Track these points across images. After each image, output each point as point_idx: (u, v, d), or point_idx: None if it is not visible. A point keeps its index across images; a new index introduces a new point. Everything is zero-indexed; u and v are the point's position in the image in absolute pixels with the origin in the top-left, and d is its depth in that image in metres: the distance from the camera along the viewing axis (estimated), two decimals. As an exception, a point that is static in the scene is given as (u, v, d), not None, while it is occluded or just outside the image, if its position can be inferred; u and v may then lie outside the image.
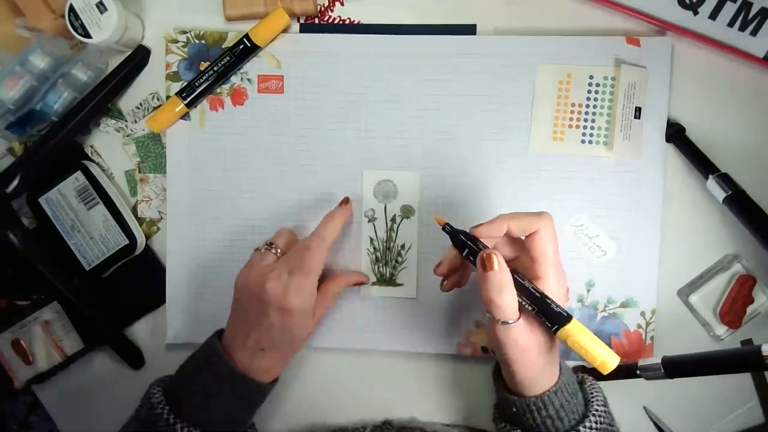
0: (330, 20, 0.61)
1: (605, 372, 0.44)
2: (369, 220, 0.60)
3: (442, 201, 0.59)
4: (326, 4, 0.61)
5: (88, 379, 0.64)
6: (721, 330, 0.58)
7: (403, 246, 0.60)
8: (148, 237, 0.62)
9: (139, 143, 0.62)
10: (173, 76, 0.61)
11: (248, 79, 0.60)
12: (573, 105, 0.58)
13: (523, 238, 0.49)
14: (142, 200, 0.62)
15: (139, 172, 0.62)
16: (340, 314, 0.60)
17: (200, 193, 0.61)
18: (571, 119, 0.58)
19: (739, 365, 0.48)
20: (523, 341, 0.45)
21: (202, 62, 0.60)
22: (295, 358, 0.55)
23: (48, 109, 0.59)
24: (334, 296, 0.57)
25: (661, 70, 0.57)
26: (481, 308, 0.60)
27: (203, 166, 0.61)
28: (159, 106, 0.61)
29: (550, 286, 0.46)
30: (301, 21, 0.61)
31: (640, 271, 0.58)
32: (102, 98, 0.60)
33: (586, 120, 0.58)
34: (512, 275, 0.46)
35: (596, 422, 0.47)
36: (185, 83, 0.59)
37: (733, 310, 0.57)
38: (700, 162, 0.57)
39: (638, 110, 0.57)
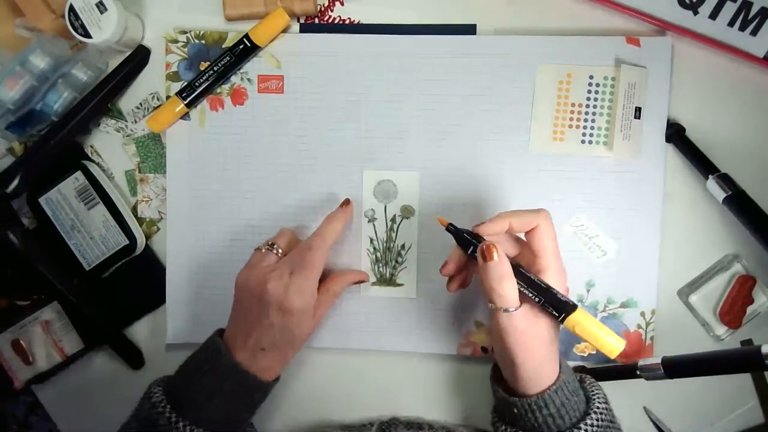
0: (330, 20, 0.61)
1: (613, 356, 0.46)
2: (369, 220, 0.60)
3: (442, 201, 0.59)
4: (326, 4, 0.61)
5: (88, 379, 0.64)
6: (721, 330, 0.58)
7: (403, 246, 0.60)
8: (148, 237, 0.62)
9: (139, 143, 0.62)
10: (173, 76, 0.61)
11: (248, 79, 0.60)
12: (573, 105, 0.58)
13: (524, 235, 0.50)
14: (142, 200, 0.62)
15: (139, 172, 0.62)
16: (340, 314, 0.61)
17: (200, 193, 0.61)
18: (571, 119, 0.58)
19: (739, 365, 0.48)
20: (524, 328, 0.46)
21: (202, 62, 0.60)
22: (295, 358, 0.55)
23: (48, 109, 0.59)
24: (335, 295, 0.57)
25: (661, 70, 0.57)
26: (481, 308, 0.60)
27: (203, 166, 0.61)
28: (159, 106, 0.61)
29: (552, 279, 0.48)
30: (301, 21, 0.61)
31: (640, 271, 0.58)
32: (102, 98, 0.60)
33: (586, 120, 0.58)
34: (517, 269, 0.47)
35: (597, 420, 0.47)
36: (185, 83, 0.59)
37: (733, 310, 0.57)
38: (700, 162, 0.57)
39: (638, 110, 0.57)
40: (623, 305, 0.59)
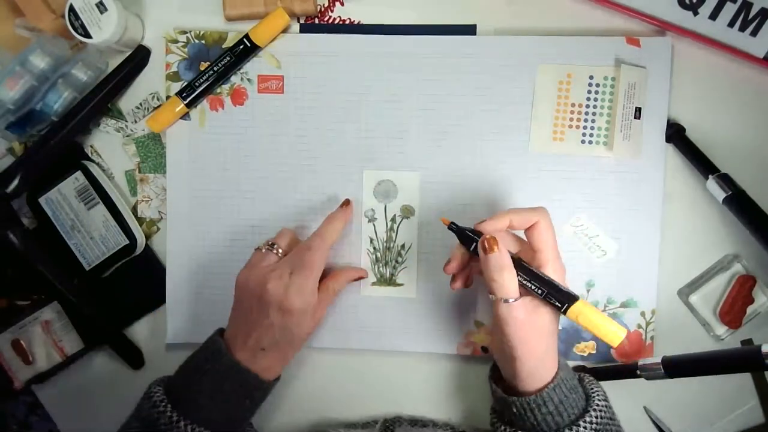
0: (330, 20, 0.61)
1: (615, 345, 0.47)
2: (369, 220, 0.60)
3: (442, 201, 0.59)
4: (326, 4, 0.61)
5: (88, 379, 0.64)
6: (721, 330, 0.58)
7: (403, 246, 0.60)
8: (148, 237, 0.62)
9: (139, 143, 0.62)
10: (173, 76, 0.61)
11: (248, 79, 0.60)
12: (573, 105, 0.58)
13: (524, 235, 0.51)
14: (142, 200, 0.62)
15: (139, 172, 0.62)
16: (340, 314, 0.61)
17: (200, 193, 0.61)
18: (571, 119, 0.58)
19: (739, 365, 0.48)
20: (524, 319, 0.47)
21: (202, 62, 0.60)
22: (295, 358, 0.55)
23: (48, 109, 0.59)
24: (335, 294, 0.57)
25: (661, 70, 0.57)
26: (481, 308, 0.60)
27: (203, 166, 0.61)
28: (159, 106, 0.61)
29: (552, 273, 0.49)
30: (301, 21, 0.61)
31: (640, 271, 0.58)
32: (102, 98, 0.60)
33: (586, 120, 0.58)
34: (519, 262, 0.48)
35: (597, 417, 0.47)
36: (185, 83, 0.59)
37: (733, 310, 0.57)
38: (700, 162, 0.57)
39: (638, 110, 0.58)
40: (623, 305, 0.59)
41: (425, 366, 0.61)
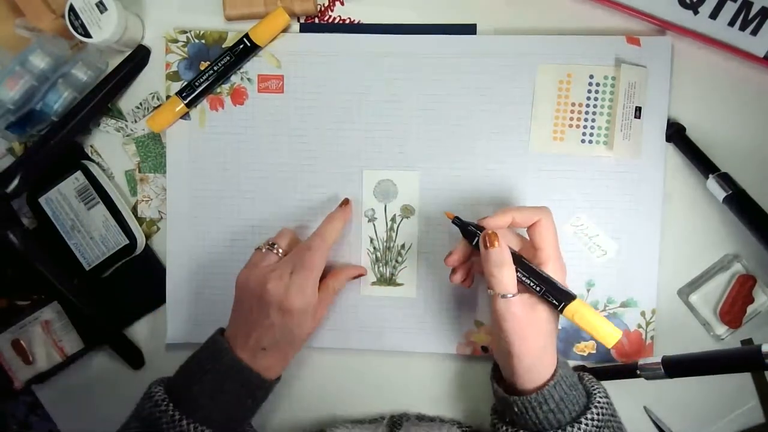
0: (330, 20, 0.61)
1: (610, 345, 0.47)
2: (369, 220, 0.60)
3: (442, 201, 0.59)
4: (326, 4, 0.61)
5: (88, 379, 0.64)
6: (721, 330, 0.58)
7: (403, 246, 0.60)
8: (148, 237, 0.62)
9: (139, 143, 0.62)
10: (173, 76, 0.61)
11: (248, 79, 0.60)
12: (573, 105, 0.58)
13: (526, 232, 0.51)
14: (142, 200, 0.62)
15: (139, 172, 0.62)
16: (340, 314, 0.61)
17: (200, 193, 0.61)
18: (571, 119, 0.58)
19: (739, 365, 0.48)
20: (522, 315, 0.47)
21: (202, 62, 0.60)
22: (296, 358, 0.55)
23: (48, 109, 0.59)
24: (335, 293, 0.57)
25: (661, 70, 0.57)
26: (481, 308, 0.60)
27: (203, 166, 0.61)
28: (159, 106, 0.61)
29: (552, 272, 0.49)
30: (301, 21, 0.61)
31: (640, 271, 0.58)
32: (102, 98, 0.60)
33: (586, 120, 0.58)
34: (519, 259, 0.49)
35: (599, 414, 0.47)
36: (185, 83, 0.59)
37: (733, 310, 0.57)
38: (700, 162, 0.57)
39: (638, 110, 0.57)
40: (623, 305, 0.59)
41: (425, 366, 0.61)
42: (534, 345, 0.48)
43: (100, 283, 0.62)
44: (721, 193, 0.55)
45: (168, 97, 0.60)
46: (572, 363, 0.59)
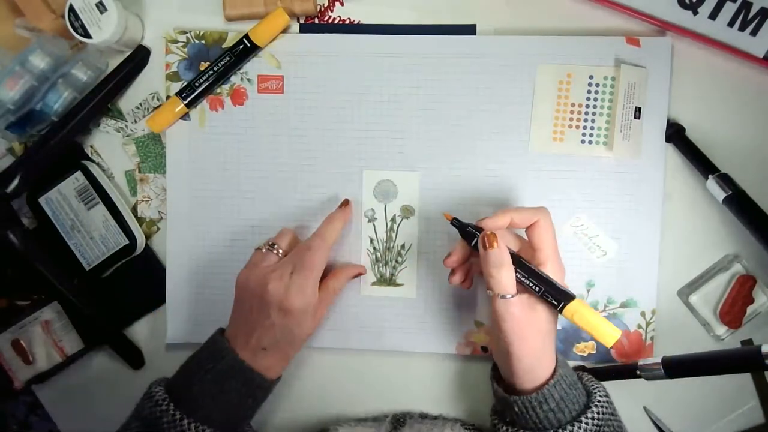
0: (330, 20, 0.61)
1: (609, 345, 0.47)
2: (369, 220, 0.60)
3: (442, 201, 0.59)
4: (326, 4, 0.61)
5: (88, 379, 0.64)
6: (721, 330, 0.58)
7: (403, 246, 0.60)
8: (148, 237, 0.62)
9: (139, 143, 0.62)
10: (173, 76, 0.61)
11: (248, 79, 0.60)
12: (573, 105, 0.58)
13: (524, 232, 0.52)
14: (142, 200, 0.62)
15: (139, 172, 0.62)
16: (340, 314, 0.61)
17: (200, 193, 0.61)
18: (571, 119, 0.58)
19: (739, 365, 0.48)
20: (521, 315, 0.47)
21: (202, 62, 0.60)
22: (296, 358, 0.55)
23: (48, 109, 0.59)
24: (335, 293, 0.57)
25: (661, 70, 0.57)
26: (481, 308, 0.60)
27: (203, 166, 0.61)
28: (159, 106, 0.61)
29: (551, 272, 0.49)
30: (301, 21, 0.61)
31: (640, 271, 0.58)
32: (102, 98, 0.60)
33: (586, 120, 0.58)
34: (518, 259, 0.49)
35: (599, 412, 0.47)
36: (185, 83, 0.59)
37: (733, 310, 0.57)
38: (700, 162, 0.57)
39: (638, 110, 0.57)
40: (623, 305, 0.59)
41: (425, 366, 0.61)
42: (533, 345, 0.48)
43: (100, 283, 0.62)
44: (720, 194, 0.55)
45: (168, 97, 0.60)
46: (572, 363, 0.59)
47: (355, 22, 0.61)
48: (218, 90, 0.60)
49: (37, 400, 0.64)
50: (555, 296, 0.48)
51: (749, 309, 0.57)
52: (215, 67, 0.59)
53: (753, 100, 0.58)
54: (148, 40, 0.62)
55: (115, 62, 0.61)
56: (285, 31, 0.60)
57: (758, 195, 0.54)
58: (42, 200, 0.61)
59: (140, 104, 0.62)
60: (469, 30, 0.59)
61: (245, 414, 0.53)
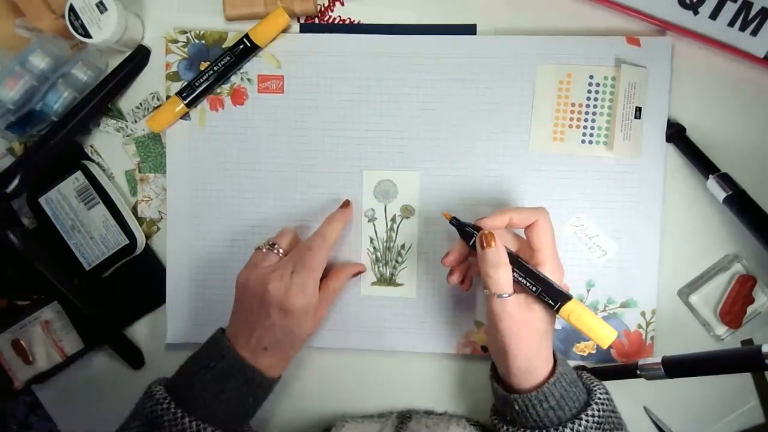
0: (330, 20, 0.61)
1: (605, 346, 0.47)
2: (369, 220, 0.60)
3: (442, 201, 0.59)
4: (326, 4, 0.61)
5: (88, 379, 0.64)
6: (721, 330, 0.58)
7: (403, 246, 0.60)
8: (148, 237, 0.62)
9: (139, 143, 0.62)
10: (173, 76, 0.61)
11: (248, 79, 0.60)
12: (573, 105, 0.58)
13: (523, 232, 0.52)
14: (142, 200, 0.62)
15: (139, 172, 0.62)
16: (341, 314, 0.61)
17: (200, 193, 0.61)
18: (571, 119, 0.58)
19: (739, 365, 0.48)
20: (517, 315, 0.48)
21: (202, 62, 0.60)
22: (296, 358, 0.55)
23: (48, 109, 0.59)
24: (336, 292, 0.57)
25: (661, 70, 0.57)
26: (480, 308, 0.60)
27: (203, 166, 0.61)
28: (159, 106, 0.61)
29: (549, 273, 0.49)
30: (301, 21, 0.61)
31: (640, 271, 0.58)
32: (102, 98, 0.60)
33: (586, 120, 0.58)
34: (516, 259, 0.49)
35: (599, 410, 0.48)
36: (185, 83, 0.59)
37: (734, 310, 0.57)
38: (700, 162, 0.57)
39: (638, 110, 0.57)
40: (623, 305, 0.59)
41: (425, 366, 0.61)
42: (530, 345, 0.48)
43: (100, 283, 0.62)
44: (721, 194, 0.55)
45: (168, 97, 0.60)
46: (572, 363, 0.59)
47: (355, 22, 0.61)
48: (218, 90, 0.60)
49: (37, 400, 0.64)
50: (552, 296, 0.48)
51: (749, 309, 0.57)
52: (215, 67, 0.59)
53: (753, 100, 0.58)
54: (148, 40, 0.62)
55: (115, 62, 0.61)
56: (285, 31, 0.60)
57: (758, 195, 0.54)
58: (42, 200, 0.61)
59: (140, 104, 0.62)
60: (469, 30, 0.59)
61: (246, 413, 0.53)
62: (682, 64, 0.58)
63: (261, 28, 0.58)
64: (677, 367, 0.51)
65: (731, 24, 0.54)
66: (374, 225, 0.60)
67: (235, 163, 0.61)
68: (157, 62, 0.61)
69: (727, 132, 0.58)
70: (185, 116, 0.61)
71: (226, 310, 0.54)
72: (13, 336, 0.61)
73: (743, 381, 0.59)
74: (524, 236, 0.52)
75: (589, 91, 0.58)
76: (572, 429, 0.46)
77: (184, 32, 0.60)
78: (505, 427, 0.51)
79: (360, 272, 0.60)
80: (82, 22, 0.56)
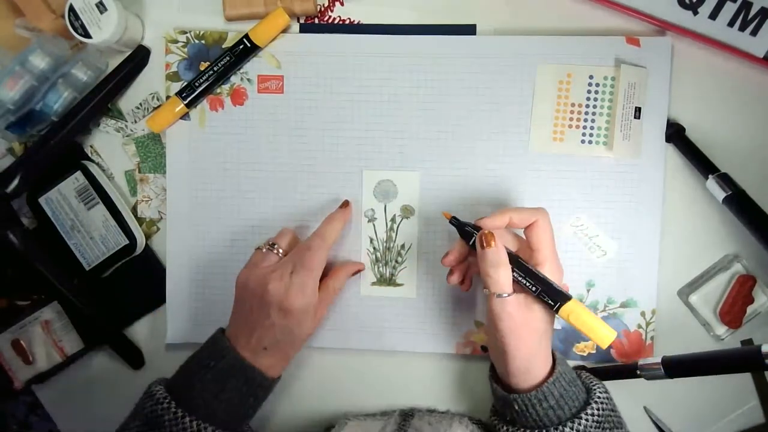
0: (330, 20, 0.61)
1: (604, 346, 0.47)
2: (369, 220, 0.60)
3: (442, 201, 0.59)
4: (326, 4, 0.61)
5: (88, 379, 0.64)
6: (721, 330, 0.58)
7: (403, 246, 0.60)
8: (148, 237, 0.62)
9: (139, 143, 0.62)
10: (173, 76, 0.61)
11: (248, 79, 0.60)
12: (573, 105, 0.58)
13: (523, 233, 0.52)
14: (142, 200, 0.62)
15: (139, 172, 0.62)
16: (341, 314, 0.61)
17: (200, 193, 0.61)
18: (571, 119, 0.58)
19: (739, 365, 0.48)
20: (517, 314, 0.48)
21: (202, 62, 0.60)
22: (296, 358, 0.55)
23: (48, 109, 0.59)
24: (335, 292, 0.57)
25: (661, 70, 0.57)
26: (480, 309, 0.60)
27: (203, 166, 0.61)
28: (159, 106, 0.61)
29: (549, 273, 0.49)
30: (301, 21, 0.61)
31: (640, 270, 0.58)
32: (102, 98, 0.60)
33: (586, 120, 0.58)
34: (516, 259, 0.49)
35: (599, 409, 0.48)
36: (185, 83, 0.59)
37: (733, 310, 0.57)
38: (700, 162, 0.57)
39: (638, 110, 0.57)
40: (623, 305, 0.59)
41: (425, 365, 0.61)
42: (529, 345, 0.48)
43: (100, 283, 0.62)
44: (720, 194, 0.55)
45: (168, 97, 0.60)
46: (572, 363, 0.59)
47: (355, 22, 0.61)
48: (218, 90, 0.60)
49: (37, 400, 0.64)
50: (551, 296, 0.48)
51: (749, 309, 0.57)
52: (215, 67, 0.59)
53: (753, 100, 0.58)
54: (148, 40, 0.62)
55: (115, 62, 0.61)
56: (285, 31, 0.60)
57: (758, 195, 0.54)
58: (42, 200, 0.61)
59: (140, 104, 0.62)
60: (469, 30, 0.59)
61: (246, 413, 0.53)
62: (682, 64, 0.58)
63: (261, 28, 0.58)
64: (677, 367, 0.51)
65: (731, 24, 0.54)
66: (374, 225, 0.60)
67: (235, 163, 0.61)
68: (157, 62, 0.61)
69: (727, 132, 0.58)
70: (185, 116, 0.61)
71: (226, 310, 0.54)
72: (13, 336, 0.61)
73: (743, 381, 0.59)
74: (524, 236, 0.52)
75: (589, 91, 0.58)
76: (572, 428, 0.46)
77: (184, 32, 0.60)
78: (505, 428, 0.51)
79: (359, 270, 0.60)
80: (82, 22, 0.56)
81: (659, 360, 0.51)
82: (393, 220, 0.60)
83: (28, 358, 0.61)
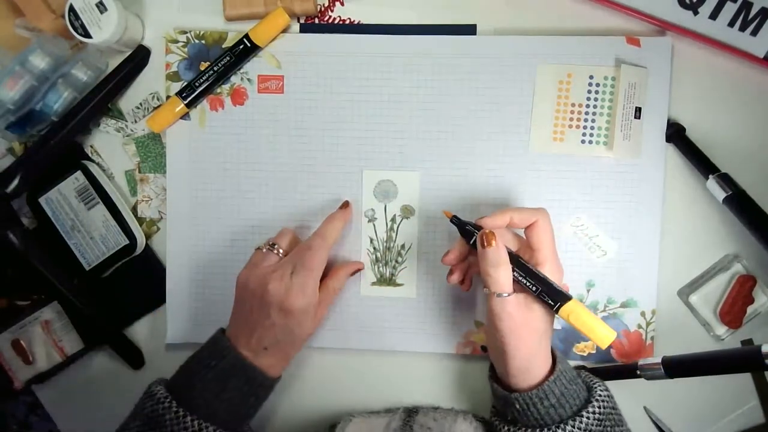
0: (330, 20, 0.61)
1: (604, 346, 0.48)
2: (369, 220, 0.60)
3: (442, 201, 0.59)
4: (326, 4, 0.61)
5: (88, 379, 0.64)
6: (721, 330, 0.58)
7: (403, 246, 0.60)
8: (148, 237, 0.62)
9: (139, 143, 0.62)
10: (173, 76, 0.61)
11: (248, 79, 0.60)
12: (573, 105, 0.58)
13: (523, 232, 0.52)
14: (142, 200, 0.62)
15: (139, 172, 0.62)
16: (341, 314, 0.61)
17: (200, 193, 0.61)
18: (571, 119, 0.58)
19: (739, 365, 0.48)
20: (517, 314, 0.48)
21: (202, 62, 0.60)
22: (296, 358, 0.55)
23: (48, 109, 0.59)
24: (335, 292, 0.57)
25: (661, 70, 0.57)
26: (480, 309, 0.60)
27: (203, 166, 0.61)
28: (159, 106, 0.61)
29: (549, 273, 0.49)
30: (301, 21, 0.61)
31: (640, 271, 0.58)
32: (102, 98, 0.60)
33: (586, 120, 0.58)
34: (516, 259, 0.49)
35: (600, 407, 0.48)
36: (185, 83, 0.59)
37: (734, 310, 0.57)
38: (700, 162, 0.57)
39: (638, 110, 0.58)
40: (623, 305, 0.59)
41: (425, 366, 0.61)
42: (528, 344, 0.48)
43: (100, 283, 0.62)
44: (721, 194, 0.55)
45: (168, 97, 0.60)
46: (572, 363, 0.59)
47: (355, 22, 0.61)
48: (218, 90, 0.60)
49: (37, 400, 0.64)
50: (551, 296, 0.48)
51: (749, 309, 0.57)
52: (215, 67, 0.59)
53: (753, 100, 0.58)
54: (148, 40, 0.62)
55: (115, 62, 0.61)
56: (285, 31, 0.60)
57: (758, 195, 0.54)
58: (42, 200, 0.61)
59: (140, 104, 0.62)
60: (469, 30, 0.59)
61: (247, 413, 0.53)
62: (682, 64, 0.58)
63: (261, 28, 0.58)
64: (677, 367, 0.51)
65: (731, 24, 0.54)
66: (374, 225, 0.60)
67: (235, 163, 0.61)
68: (157, 62, 0.61)
69: (727, 132, 0.58)
70: (185, 116, 0.61)
71: (226, 310, 0.54)
72: (13, 336, 0.61)
73: (743, 381, 0.59)
74: (524, 236, 0.52)
75: (589, 92, 0.58)
76: (574, 426, 0.46)
77: (184, 32, 0.60)
78: (506, 428, 0.51)
79: (359, 270, 0.60)
80: (82, 22, 0.56)
81: (659, 360, 0.51)
82: (393, 220, 0.60)
83: (28, 358, 0.61)
